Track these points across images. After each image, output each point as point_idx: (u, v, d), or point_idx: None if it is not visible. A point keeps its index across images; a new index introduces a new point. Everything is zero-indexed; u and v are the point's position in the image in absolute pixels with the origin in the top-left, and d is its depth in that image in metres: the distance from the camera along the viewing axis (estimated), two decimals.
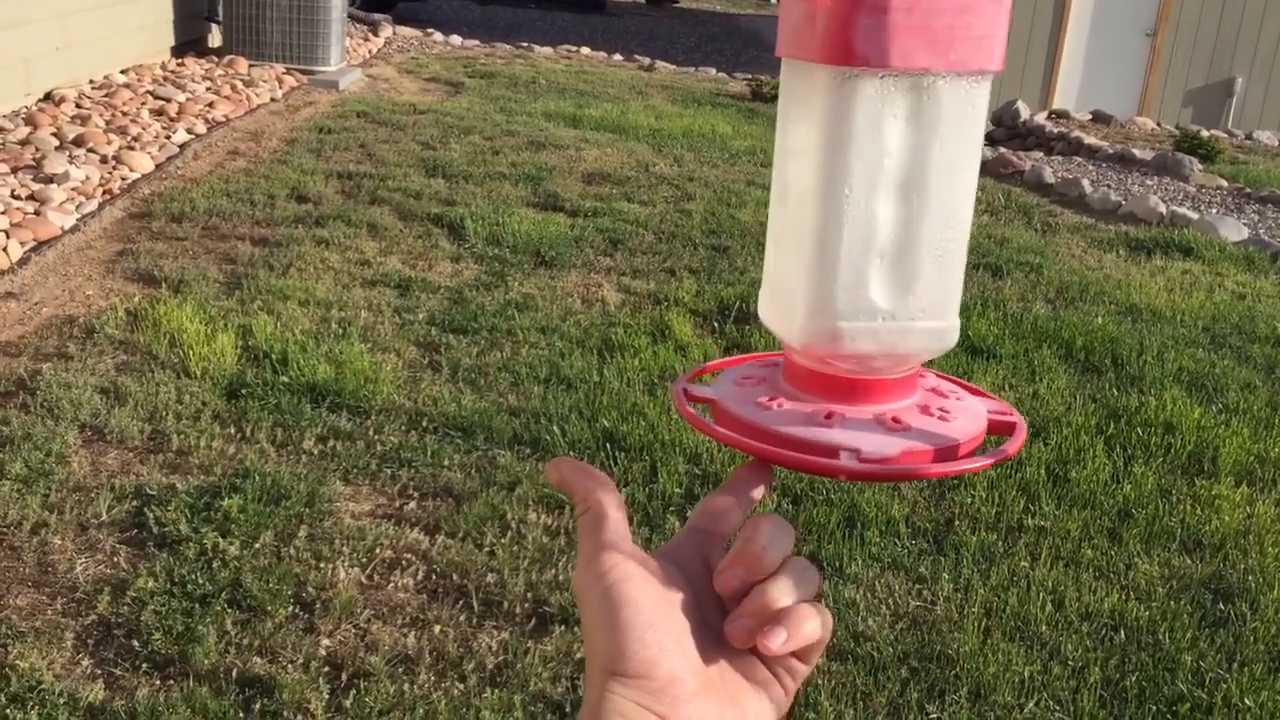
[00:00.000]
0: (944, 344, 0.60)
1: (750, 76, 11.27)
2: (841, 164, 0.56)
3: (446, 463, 3.14)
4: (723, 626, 0.54)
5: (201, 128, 6.42)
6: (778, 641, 0.52)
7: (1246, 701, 2.43)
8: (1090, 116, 10.42)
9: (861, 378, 0.60)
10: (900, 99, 0.55)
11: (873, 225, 0.57)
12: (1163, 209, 6.65)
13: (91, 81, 6.78)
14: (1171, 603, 2.78)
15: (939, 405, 0.61)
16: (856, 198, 0.56)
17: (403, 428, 3.32)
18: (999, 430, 0.63)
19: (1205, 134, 9.26)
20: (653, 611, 0.52)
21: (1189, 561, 2.99)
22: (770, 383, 0.62)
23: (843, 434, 0.57)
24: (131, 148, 5.72)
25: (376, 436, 3.26)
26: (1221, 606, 2.79)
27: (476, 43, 11.89)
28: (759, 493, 0.60)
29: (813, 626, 0.54)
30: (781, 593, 0.54)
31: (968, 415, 0.61)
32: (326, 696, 2.25)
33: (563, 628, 2.50)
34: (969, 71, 0.55)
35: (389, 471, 3.08)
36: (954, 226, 0.59)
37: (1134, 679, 2.50)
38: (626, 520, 0.55)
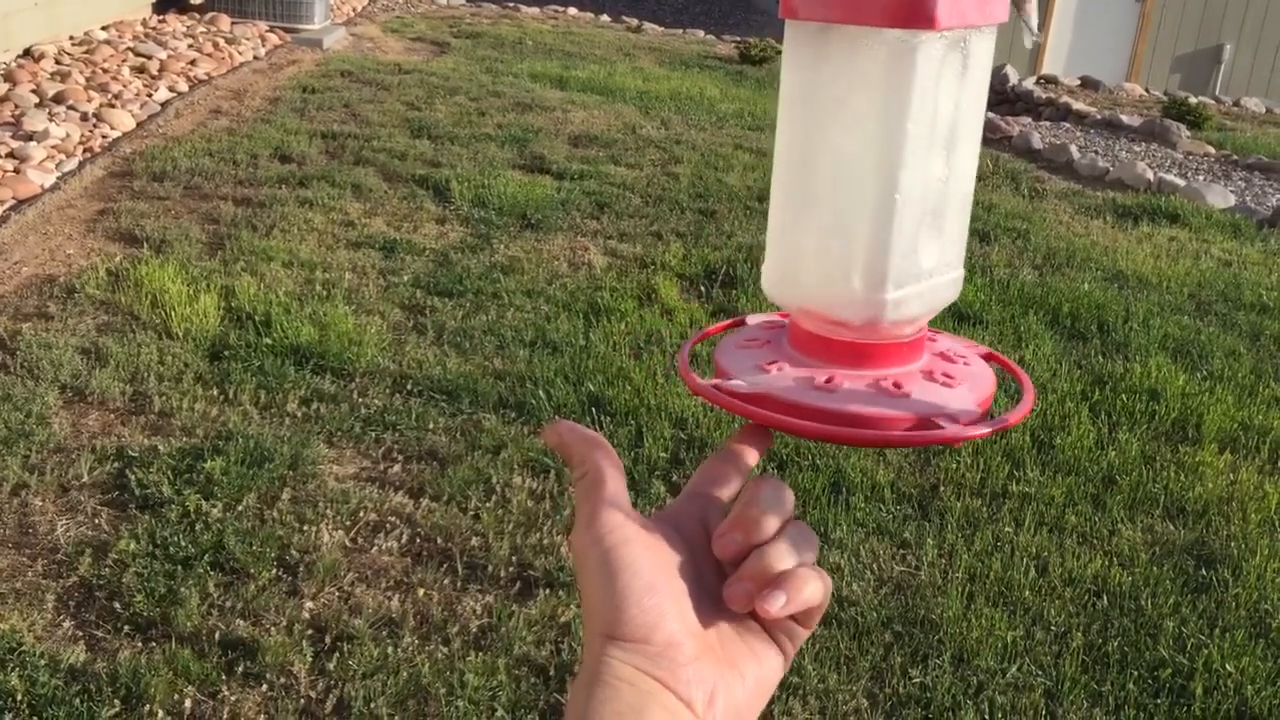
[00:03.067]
0: (957, 292, 0.60)
1: (739, 39, 11.18)
2: (908, 130, 0.54)
3: (431, 426, 3.13)
4: (721, 591, 0.53)
5: (183, 86, 6.34)
6: (777, 605, 0.52)
7: (1228, 667, 2.44)
8: (1079, 82, 10.40)
9: (874, 343, 0.58)
10: (952, 57, 0.55)
11: (926, 187, 0.56)
12: (1150, 175, 6.64)
13: (71, 38, 6.67)
14: (1154, 569, 2.80)
15: (943, 370, 0.60)
16: (917, 162, 0.55)
17: (387, 390, 3.30)
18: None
19: (1193, 100, 9.26)
20: (652, 575, 0.51)
21: (1172, 528, 3.00)
22: (782, 353, 0.60)
23: (922, 403, 0.56)
24: (112, 105, 5.65)
25: (361, 399, 3.24)
26: (1204, 572, 2.81)
27: (462, 2, 11.76)
28: (756, 457, 0.59)
29: (812, 590, 0.53)
30: (780, 556, 0.53)
31: (974, 379, 0.60)
32: (310, 659, 2.24)
33: (547, 591, 2.49)
34: (994, 24, 0.56)
35: (373, 434, 3.06)
36: (970, 177, 0.59)
37: (1116, 644, 2.51)
38: (625, 484, 0.54)
